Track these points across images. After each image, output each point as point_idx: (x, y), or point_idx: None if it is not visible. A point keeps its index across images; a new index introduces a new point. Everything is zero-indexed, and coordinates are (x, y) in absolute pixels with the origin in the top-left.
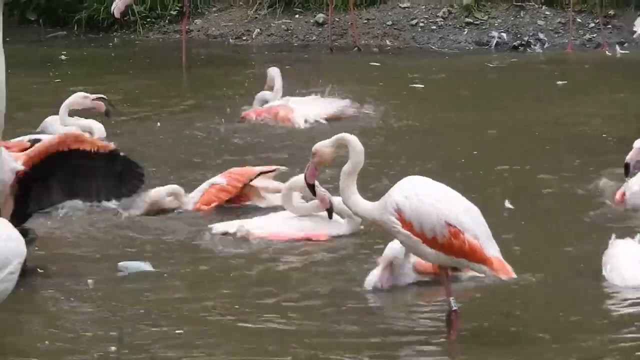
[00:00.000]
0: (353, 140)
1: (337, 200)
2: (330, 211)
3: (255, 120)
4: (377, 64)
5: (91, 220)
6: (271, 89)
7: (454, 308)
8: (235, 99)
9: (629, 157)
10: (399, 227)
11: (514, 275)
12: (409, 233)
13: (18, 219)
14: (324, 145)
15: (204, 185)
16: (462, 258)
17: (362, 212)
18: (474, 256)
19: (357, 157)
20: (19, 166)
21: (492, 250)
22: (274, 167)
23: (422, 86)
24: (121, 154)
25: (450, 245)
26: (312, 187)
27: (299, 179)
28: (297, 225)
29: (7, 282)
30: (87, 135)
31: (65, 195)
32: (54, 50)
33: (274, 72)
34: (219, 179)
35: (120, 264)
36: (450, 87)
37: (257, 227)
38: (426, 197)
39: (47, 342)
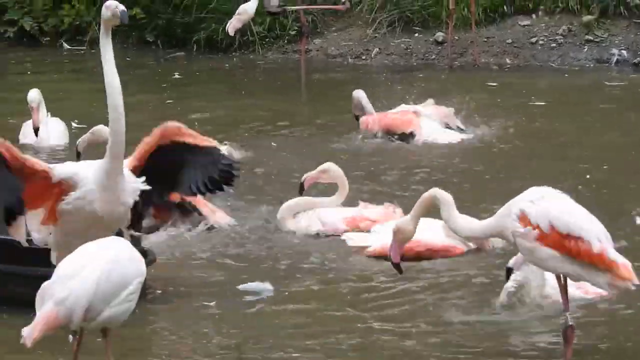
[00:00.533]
0: (442, 196)
1: None
2: None
3: (371, 129)
4: (495, 83)
5: (209, 240)
6: (361, 113)
7: (570, 323)
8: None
9: None
10: (521, 228)
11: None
12: (534, 232)
13: (135, 229)
14: (405, 224)
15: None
16: (584, 261)
17: (476, 231)
18: (597, 259)
19: (447, 211)
20: (142, 185)
21: (617, 256)
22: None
23: (543, 103)
24: (221, 150)
25: (576, 250)
26: (398, 267)
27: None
28: (438, 235)
29: (127, 302)
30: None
31: (168, 190)
32: (171, 71)
33: (359, 95)
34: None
35: (241, 286)
36: (571, 104)
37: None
38: (552, 201)
39: None
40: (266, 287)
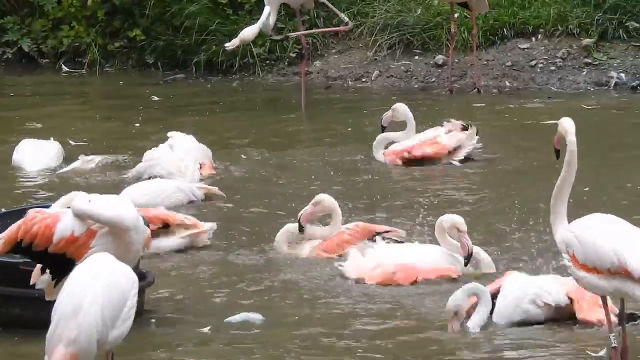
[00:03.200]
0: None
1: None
2: (468, 258)
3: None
4: (496, 107)
5: (205, 261)
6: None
7: (614, 345)
8: (356, 138)
9: None
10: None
11: None
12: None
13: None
14: (457, 300)
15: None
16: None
17: None
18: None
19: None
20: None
21: None
22: (392, 229)
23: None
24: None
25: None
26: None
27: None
28: (428, 258)
29: (128, 319)
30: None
31: None
32: (170, 92)
33: (403, 109)
34: (345, 229)
35: (226, 320)
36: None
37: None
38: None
39: None
40: (256, 317)
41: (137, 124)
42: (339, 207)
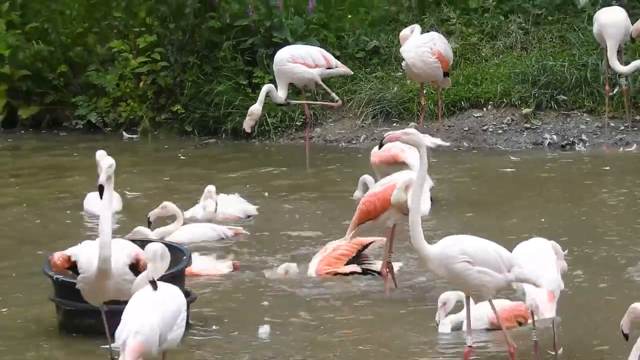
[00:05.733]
0: None
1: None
2: None
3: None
4: (456, 162)
5: (234, 282)
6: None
7: (535, 339)
8: (350, 186)
9: None
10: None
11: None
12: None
13: None
14: (448, 295)
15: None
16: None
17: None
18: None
19: None
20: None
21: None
22: (379, 239)
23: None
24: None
25: None
26: None
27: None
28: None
29: (181, 327)
30: None
31: None
32: (205, 154)
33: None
34: (338, 243)
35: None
36: (514, 175)
37: None
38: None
39: None
40: (265, 329)
41: (179, 179)
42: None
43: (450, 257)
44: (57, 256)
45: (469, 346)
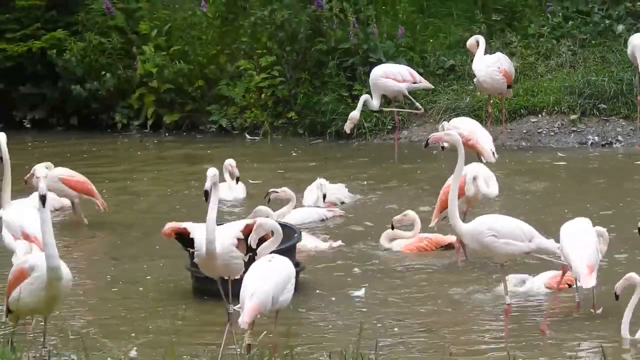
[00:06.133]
0: None
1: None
2: None
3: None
4: (518, 157)
5: (335, 254)
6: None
7: (508, 302)
8: (429, 178)
9: None
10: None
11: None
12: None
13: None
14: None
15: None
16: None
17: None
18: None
19: None
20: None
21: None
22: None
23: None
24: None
25: None
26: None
27: None
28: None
29: (290, 291)
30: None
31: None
32: (314, 152)
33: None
34: (424, 236)
35: (351, 293)
36: (568, 167)
37: None
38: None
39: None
40: (363, 291)
41: (292, 172)
42: (419, 220)
43: (480, 232)
44: (168, 226)
45: (508, 304)
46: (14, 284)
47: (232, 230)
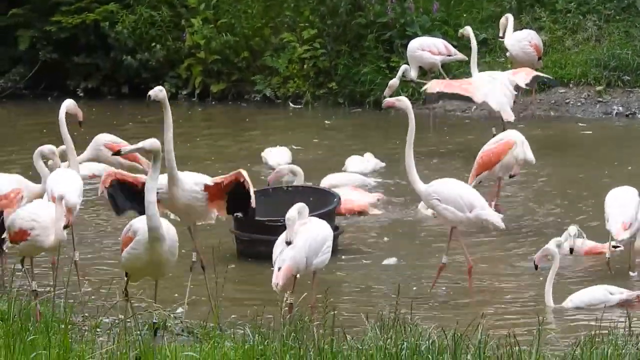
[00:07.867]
0: None
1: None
2: None
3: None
4: (544, 127)
5: (372, 221)
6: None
7: (444, 262)
8: (460, 145)
9: None
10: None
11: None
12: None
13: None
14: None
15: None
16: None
17: None
18: None
19: None
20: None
21: None
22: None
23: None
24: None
25: None
26: None
27: None
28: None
29: (326, 253)
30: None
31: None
32: (351, 119)
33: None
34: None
35: (384, 262)
36: (594, 136)
37: None
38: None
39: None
40: (394, 260)
41: (330, 140)
42: None
43: (428, 194)
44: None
45: (443, 263)
46: (122, 249)
47: (202, 177)
